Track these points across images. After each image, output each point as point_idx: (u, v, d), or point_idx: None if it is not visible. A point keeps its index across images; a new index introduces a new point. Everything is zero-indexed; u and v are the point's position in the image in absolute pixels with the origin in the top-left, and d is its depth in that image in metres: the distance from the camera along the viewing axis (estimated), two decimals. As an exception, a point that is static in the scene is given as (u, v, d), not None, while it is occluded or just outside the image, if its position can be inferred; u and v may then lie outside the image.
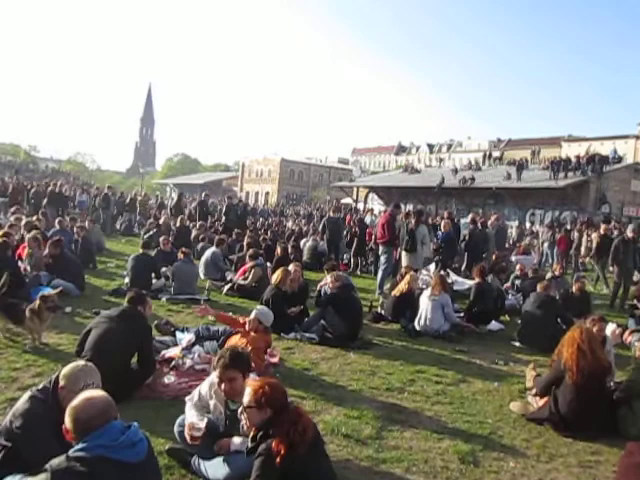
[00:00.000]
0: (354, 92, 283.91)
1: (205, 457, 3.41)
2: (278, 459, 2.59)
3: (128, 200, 21.91)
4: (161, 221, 17.08)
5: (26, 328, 5.78)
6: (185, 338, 5.81)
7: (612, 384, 4.96)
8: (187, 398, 3.72)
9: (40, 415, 2.85)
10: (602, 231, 13.50)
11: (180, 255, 9.55)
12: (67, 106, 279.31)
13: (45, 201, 18.07)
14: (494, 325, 8.43)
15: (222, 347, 5.53)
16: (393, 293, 8.70)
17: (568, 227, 21.49)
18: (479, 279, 8.85)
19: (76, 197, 24.63)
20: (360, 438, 4.13)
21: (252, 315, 5.55)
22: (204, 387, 3.64)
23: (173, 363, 5.28)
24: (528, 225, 28.52)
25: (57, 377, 2.95)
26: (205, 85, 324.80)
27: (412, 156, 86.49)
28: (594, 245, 13.99)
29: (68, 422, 2.30)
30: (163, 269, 9.72)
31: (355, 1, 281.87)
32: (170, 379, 4.95)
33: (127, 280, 9.19)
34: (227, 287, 9.78)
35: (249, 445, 2.83)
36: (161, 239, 11.31)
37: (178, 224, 15.41)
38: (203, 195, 19.44)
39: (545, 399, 4.89)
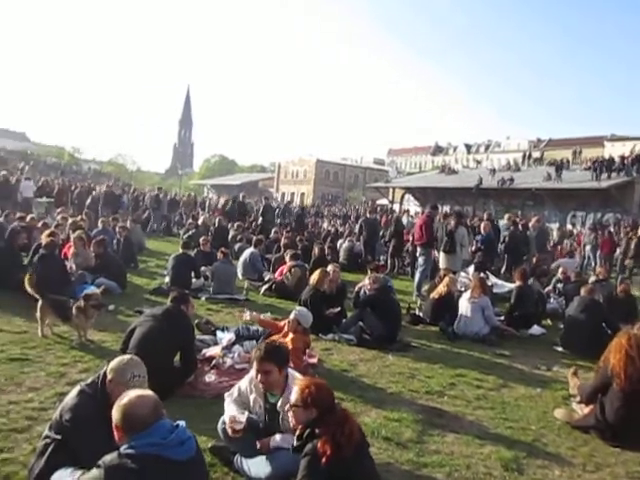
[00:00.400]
0: (391, 93, 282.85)
1: (247, 455, 3.44)
2: (324, 460, 2.60)
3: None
4: (200, 221, 17.34)
5: (73, 325, 5.95)
6: (225, 337, 5.88)
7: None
8: (226, 394, 3.76)
9: (89, 409, 2.92)
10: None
11: (219, 255, 9.68)
12: (109, 109, 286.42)
13: (101, 203, 18.94)
14: (535, 329, 8.26)
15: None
16: (432, 295, 8.61)
17: (611, 229, 20.89)
18: (520, 282, 8.68)
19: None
20: (400, 441, 4.10)
21: (291, 316, 5.57)
22: (244, 382, 3.68)
23: (214, 362, 5.35)
24: (569, 227, 27.83)
25: (105, 372, 3.02)
26: (242, 86, 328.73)
27: (449, 157, 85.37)
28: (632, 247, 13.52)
29: (118, 419, 2.34)
30: (202, 269, 9.86)
31: (391, 2, 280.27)
32: (211, 378, 5.02)
33: (167, 279, 9.36)
34: (265, 287, 9.86)
35: (295, 443, 2.85)
36: (201, 239, 11.47)
37: (216, 224, 15.62)
38: (241, 196, 19.68)
39: (591, 406, 4.76)
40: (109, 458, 2.22)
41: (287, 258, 10.34)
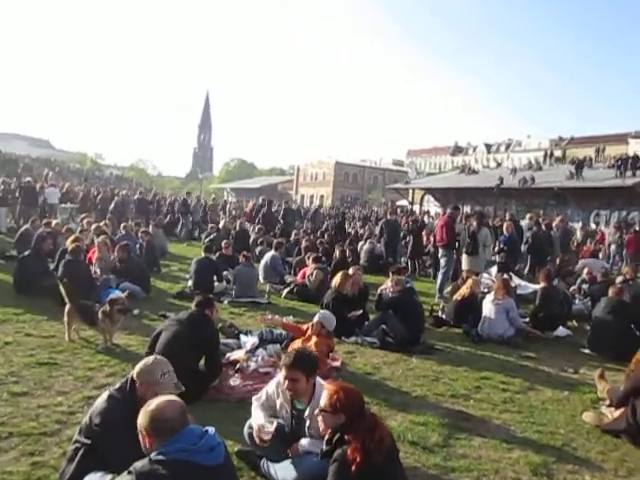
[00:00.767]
0: (407, 94, 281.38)
1: (274, 459, 3.45)
2: (354, 467, 2.58)
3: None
4: (221, 225, 17.44)
5: (99, 329, 6.02)
6: (249, 341, 5.91)
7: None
8: (254, 398, 3.75)
9: (118, 414, 2.94)
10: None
11: (241, 259, 9.74)
12: (130, 115, 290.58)
13: (133, 210, 19.77)
14: (561, 331, 8.13)
15: (285, 350, 5.61)
16: (455, 297, 8.53)
17: (637, 228, 20.47)
18: (545, 283, 8.56)
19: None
20: (427, 445, 4.07)
21: (315, 319, 5.58)
22: (271, 386, 3.68)
23: (238, 366, 5.37)
24: (593, 226, 27.37)
25: (132, 377, 3.04)
26: (260, 90, 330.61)
27: (469, 157, 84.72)
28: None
29: (147, 425, 2.34)
30: (224, 272, 9.91)
31: (407, 3, 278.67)
32: (236, 382, 5.04)
33: (190, 283, 9.43)
34: (286, 290, 9.88)
35: (324, 448, 2.84)
36: (223, 243, 11.53)
37: (238, 228, 15.70)
38: (260, 199, 19.72)
39: (621, 410, 4.66)
40: (140, 464, 2.24)
41: (309, 261, 10.35)
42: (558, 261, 12.47)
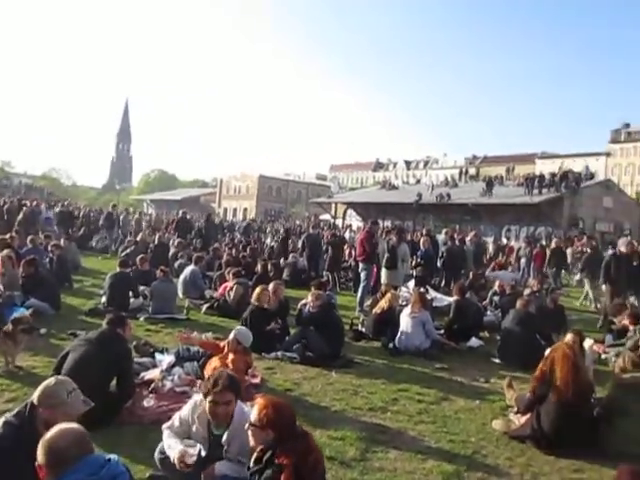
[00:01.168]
0: (331, 110, 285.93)
1: (188, 484, 3.32)
2: None
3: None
4: (138, 238, 16.83)
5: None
6: (165, 359, 5.71)
7: (593, 400, 5.01)
8: (164, 426, 3.54)
9: (11, 443, 2.74)
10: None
11: (159, 273, 9.43)
12: (42, 120, 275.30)
13: (55, 222, 18.93)
14: (474, 342, 8.46)
15: (203, 368, 5.47)
16: (374, 311, 8.70)
17: (544, 243, 21.82)
18: (459, 296, 8.91)
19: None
20: (344, 460, 4.09)
21: (231, 336, 5.49)
22: (185, 411, 3.54)
23: (152, 386, 5.17)
24: (505, 241, 28.89)
25: (31, 402, 2.84)
26: (182, 100, 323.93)
27: (389, 172, 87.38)
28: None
29: (41, 456, 2.18)
30: (141, 288, 9.56)
31: (330, 25, 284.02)
32: (150, 402, 4.84)
33: (104, 299, 9.03)
34: (206, 306, 9.67)
35: (251, 465, 2.76)
36: (138, 258, 11.03)
37: (156, 241, 15.22)
38: (181, 212, 19.31)
39: (527, 416, 4.91)
40: None
41: (229, 276, 10.19)
42: (471, 275, 13.02)
